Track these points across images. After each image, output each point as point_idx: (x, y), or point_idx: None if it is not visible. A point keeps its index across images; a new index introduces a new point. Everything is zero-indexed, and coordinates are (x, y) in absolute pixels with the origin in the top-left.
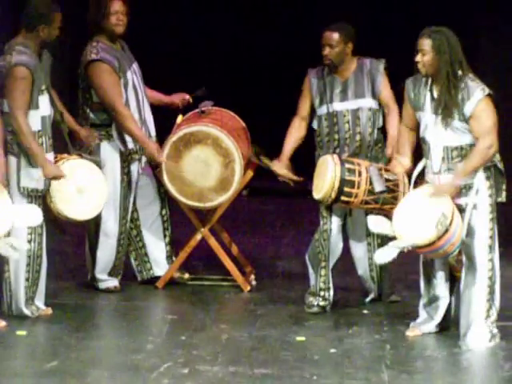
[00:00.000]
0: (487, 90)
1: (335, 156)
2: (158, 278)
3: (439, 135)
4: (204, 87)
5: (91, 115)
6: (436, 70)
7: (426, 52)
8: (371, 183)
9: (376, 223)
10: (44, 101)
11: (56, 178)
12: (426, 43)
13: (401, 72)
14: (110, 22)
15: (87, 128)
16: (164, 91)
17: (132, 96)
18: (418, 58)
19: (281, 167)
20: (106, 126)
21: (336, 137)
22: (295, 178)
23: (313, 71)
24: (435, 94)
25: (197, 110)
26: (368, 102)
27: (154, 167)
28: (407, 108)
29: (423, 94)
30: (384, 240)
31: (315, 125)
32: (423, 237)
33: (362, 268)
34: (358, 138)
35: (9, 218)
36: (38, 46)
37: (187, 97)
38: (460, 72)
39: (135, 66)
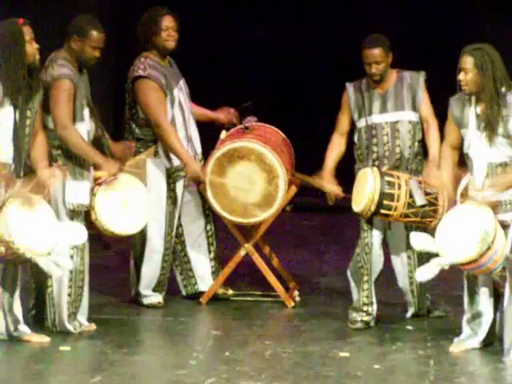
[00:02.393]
0: None
1: (375, 169)
2: (202, 293)
3: (483, 151)
4: (250, 102)
5: (137, 130)
6: (479, 87)
7: (468, 70)
8: (411, 196)
9: (418, 240)
10: (86, 115)
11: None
12: (467, 61)
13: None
14: (161, 38)
15: (124, 142)
16: (210, 106)
17: (178, 113)
18: (461, 76)
19: (328, 182)
20: (152, 141)
21: (375, 149)
22: (340, 192)
23: (350, 85)
24: (479, 111)
25: (240, 126)
26: (408, 115)
27: (198, 183)
28: (451, 126)
29: (467, 111)
30: (424, 253)
31: (355, 138)
32: (465, 254)
33: (402, 281)
34: (397, 150)
35: (53, 235)
36: (74, 59)
37: (232, 111)
38: (503, 88)
39: (182, 82)
